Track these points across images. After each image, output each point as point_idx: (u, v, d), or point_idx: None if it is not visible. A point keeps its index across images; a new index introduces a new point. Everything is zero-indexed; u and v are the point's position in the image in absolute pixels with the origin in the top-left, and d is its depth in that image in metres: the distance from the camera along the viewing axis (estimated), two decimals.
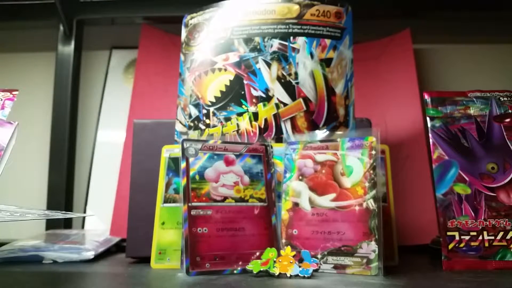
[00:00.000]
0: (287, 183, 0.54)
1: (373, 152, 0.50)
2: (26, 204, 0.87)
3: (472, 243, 0.50)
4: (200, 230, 0.49)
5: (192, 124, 0.61)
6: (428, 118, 0.55)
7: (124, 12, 0.94)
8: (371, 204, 0.48)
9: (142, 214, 0.59)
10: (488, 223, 0.51)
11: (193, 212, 0.50)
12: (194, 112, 0.61)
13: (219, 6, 0.62)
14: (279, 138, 0.58)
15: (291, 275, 0.46)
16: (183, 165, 0.51)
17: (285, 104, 0.58)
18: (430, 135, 0.54)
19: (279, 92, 0.59)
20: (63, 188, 0.89)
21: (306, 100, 0.58)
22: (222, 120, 0.59)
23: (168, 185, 0.57)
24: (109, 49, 1.00)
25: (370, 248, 0.47)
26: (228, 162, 0.53)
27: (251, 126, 0.59)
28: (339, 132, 0.56)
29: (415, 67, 0.86)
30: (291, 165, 0.54)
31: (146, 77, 0.90)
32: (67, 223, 0.89)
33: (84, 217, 0.90)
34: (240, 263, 0.49)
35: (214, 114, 0.60)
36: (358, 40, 0.82)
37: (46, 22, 0.98)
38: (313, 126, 0.58)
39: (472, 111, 0.54)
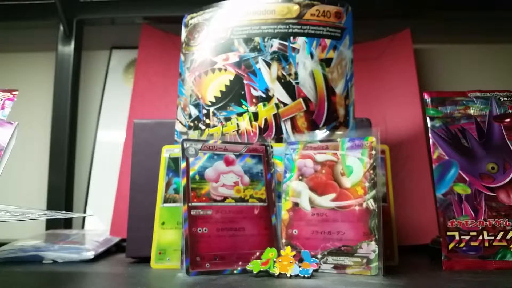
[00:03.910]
0: (287, 183, 0.54)
1: (373, 152, 0.50)
2: (26, 204, 0.88)
3: (472, 243, 0.50)
4: (200, 230, 0.49)
5: (192, 124, 0.61)
6: (428, 118, 0.55)
7: (124, 12, 0.94)
8: (371, 204, 0.48)
9: (142, 214, 0.59)
10: (488, 223, 0.51)
11: (193, 212, 0.50)
12: (194, 112, 0.61)
13: (219, 6, 0.62)
14: (279, 138, 0.58)
15: (291, 275, 0.46)
16: (183, 165, 0.51)
17: (285, 104, 0.58)
18: (430, 135, 0.54)
19: (279, 92, 0.59)
20: (63, 188, 0.89)
21: (306, 100, 0.58)
22: (222, 120, 0.59)
23: (168, 185, 0.57)
24: (109, 49, 1.00)
25: (370, 248, 0.47)
26: (228, 162, 0.53)
27: (251, 126, 0.59)
28: (339, 132, 0.56)
29: (415, 67, 0.86)
30: (291, 165, 0.54)
31: (146, 77, 0.90)
32: (67, 223, 0.89)
33: (84, 217, 0.90)
34: (240, 263, 0.49)
35: (214, 114, 0.60)
36: (358, 40, 0.82)
37: (46, 22, 0.98)
38: (313, 126, 0.58)
39: (472, 111, 0.54)
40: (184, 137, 0.60)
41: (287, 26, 0.59)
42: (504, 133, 0.53)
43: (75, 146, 0.94)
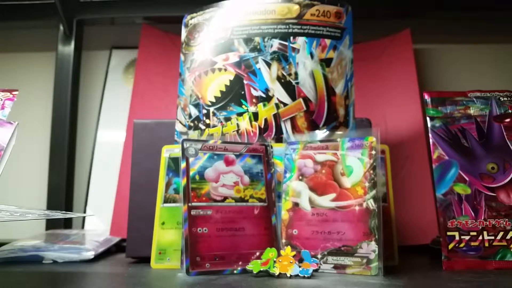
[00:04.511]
0: (287, 183, 0.54)
1: (373, 152, 0.50)
2: (26, 204, 0.88)
3: (472, 243, 0.50)
4: (200, 230, 0.49)
5: (192, 124, 0.61)
6: (428, 118, 0.55)
7: (124, 12, 0.94)
8: (371, 204, 0.48)
9: (142, 214, 0.59)
10: (488, 223, 0.51)
11: (193, 212, 0.50)
12: (194, 112, 0.61)
13: (219, 6, 0.62)
14: (279, 138, 0.58)
15: (291, 275, 0.46)
16: (183, 165, 0.51)
17: (285, 104, 0.58)
18: (430, 135, 0.54)
19: (279, 92, 0.59)
20: (63, 188, 0.89)
21: (306, 100, 0.58)
22: (222, 120, 0.59)
23: (168, 185, 0.57)
24: (109, 49, 1.00)
25: (370, 248, 0.47)
26: (228, 162, 0.53)
27: (251, 126, 0.59)
28: (339, 132, 0.56)
29: (415, 67, 0.86)
30: (291, 165, 0.54)
31: (146, 77, 0.90)
32: (67, 223, 0.89)
33: (84, 217, 0.90)
34: (240, 263, 0.49)
35: (214, 114, 0.60)
36: (358, 40, 0.82)
37: (46, 22, 0.98)
38: (313, 126, 0.58)
39: (472, 111, 0.54)
40: (184, 137, 0.60)
41: (287, 26, 0.59)
42: (504, 133, 0.53)
43: (75, 146, 0.94)
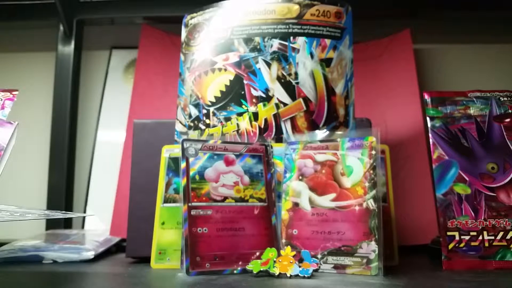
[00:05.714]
0: (287, 183, 0.54)
1: (373, 152, 0.50)
2: (26, 204, 0.88)
3: (472, 243, 0.50)
4: (200, 230, 0.49)
5: (192, 124, 0.61)
6: (428, 118, 0.55)
7: (124, 12, 0.94)
8: (371, 204, 0.48)
9: (142, 214, 0.59)
10: (488, 223, 0.51)
11: (193, 212, 0.50)
12: (194, 112, 0.61)
13: (219, 6, 0.62)
14: (279, 138, 0.58)
15: (291, 275, 0.46)
16: (183, 165, 0.51)
17: (285, 104, 0.58)
18: (430, 135, 0.54)
19: (279, 92, 0.59)
20: (63, 188, 0.89)
21: (306, 100, 0.58)
22: (222, 120, 0.59)
23: (168, 185, 0.57)
24: (109, 49, 1.00)
25: (370, 248, 0.47)
26: (228, 162, 0.53)
27: (251, 126, 0.59)
28: (339, 132, 0.56)
29: (415, 67, 0.86)
30: (291, 165, 0.54)
31: (146, 77, 0.90)
32: (67, 223, 0.89)
33: (84, 217, 0.90)
34: (240, 263, 0.49)
35: (214, 114, 0.60)
36: (358, 40, 0.82)
37: (46, 22, 0.98)
38: (313, 126, 0.58)
39: (472, 111, 0.54)
40: (184, 137, 0.60)
41: (287, 26, 0.59)
42: (504, 133, 0.53)
43: (75, 146, 0.94)
